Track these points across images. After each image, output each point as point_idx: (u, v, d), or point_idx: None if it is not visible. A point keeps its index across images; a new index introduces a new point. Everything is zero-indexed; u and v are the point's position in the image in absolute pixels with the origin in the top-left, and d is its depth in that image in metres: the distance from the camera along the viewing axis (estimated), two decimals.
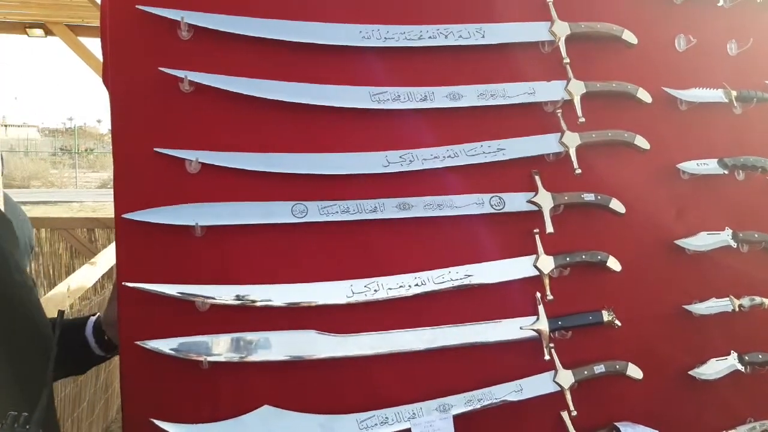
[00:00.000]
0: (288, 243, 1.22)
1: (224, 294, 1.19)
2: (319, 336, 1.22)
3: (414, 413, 1.25)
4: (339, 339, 1.23)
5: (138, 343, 1.14)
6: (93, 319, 1.30)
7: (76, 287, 3.17)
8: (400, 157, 1.25)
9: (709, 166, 1.43)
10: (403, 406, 1.24)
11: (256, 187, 1.20)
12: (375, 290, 1.24)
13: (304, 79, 1.22)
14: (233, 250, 1.20)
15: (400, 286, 1.26)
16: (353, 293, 1.23)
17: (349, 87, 1.22)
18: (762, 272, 1.48)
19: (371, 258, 1.25)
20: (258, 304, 1.19)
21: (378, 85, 1.23)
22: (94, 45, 5.89)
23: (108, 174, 21.38)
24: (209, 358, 1.16)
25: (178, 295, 1.16)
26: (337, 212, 1.22)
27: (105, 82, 1.20)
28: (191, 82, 1.17)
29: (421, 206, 1.26)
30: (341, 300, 1.23)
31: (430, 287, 1.27)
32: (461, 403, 1.27)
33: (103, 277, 3.76)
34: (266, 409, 1.19)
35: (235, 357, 1.18)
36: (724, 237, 1.44)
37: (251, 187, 1.20)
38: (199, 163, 1.17)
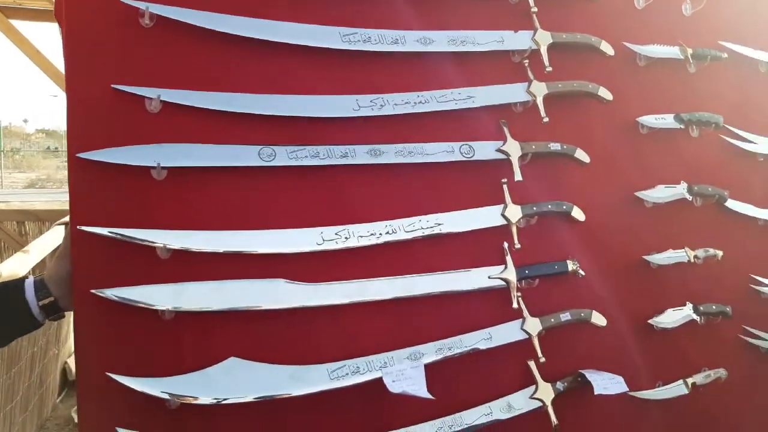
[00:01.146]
0: (255, 188, 1.17)
1: (187, 240, 1.13)
2: (288, 285, 1.18)
3: (385, 362, 1.23)
4: (309, 288, 1.19)
5: (94, 291, 1.07)
6: (30, 281, 1.16)
7: (7, 275, 2.99)
8: (371, 101, 1.22)
9: (667, 120, 1.48)
10: (374, 355, 1.22)
11: (221, 129, 1.15)
12: (346, 238, 1.21)
13: (273, 18, 1.18)
14: (197, 195, 1.15)
15: (371, 234, 1.23)
16: (323, 241, 1.20)
17: (320, 26, 1.19)
18: (715, 225, 1.54)
19: (342, 205, 1.23)
20: (223, 251, 1.14)
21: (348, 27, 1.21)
22: (28, 29, 5.55)
23: (36, 174, 20.35)
24: (172, 308, 1.10)
25: (137, 240, 1.10)
26: (307, 157, 1.19)
27: (58, 15, 1.12)
28: (152, 16, 1.11)
29: (392, 153, 1.24)
30: (311, 248, 1.19)
31: (401, 235, 1.25)
32: (432, 351, 1.26)
33: (33, 270, 3.56)
34: (233, 361, 1.14)
35: (199, 307, 1.13)
36: (680, 190, 1.49)
37: (216, 128, 1.15)
38: (161, 101, 1.11)
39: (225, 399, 1.11)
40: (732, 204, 1.55)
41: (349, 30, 1.20)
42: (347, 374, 1.20)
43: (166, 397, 1.08)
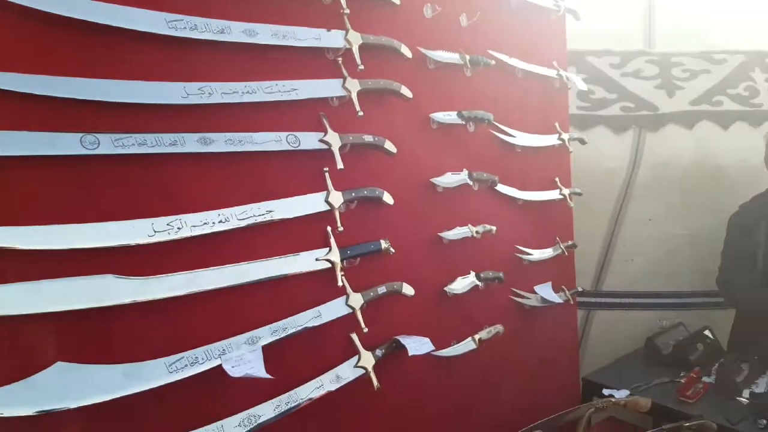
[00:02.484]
0: (78, 178, 1.09)
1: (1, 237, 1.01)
2: (117, 280, 1.13)
3: (224, 349, 1.24)
4: (140, 282, 1.15)
5: None
6: None
7: None
8: (199, 89, 1.21)
9: (451, 117, 1.72)
10: (213, 344, 1.23)
11: (37, 115, 1.04)
12: (178, 228, 1.19)
13: None
14: (11, 187, 1.02)
15: (204, 223, 1.23)
16: (155, 232, 1.16)
17: (143, 10, 1.14)
18: (489, 205, 1.84)
19: (172, 194, 1.20)
20: (44, 248, 1.04)
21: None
22: None
23: None
24: None
25: None
26: (134, 145, 1.13)
27: None
28: None
29: (222, 141, 1.25)
30: (142, 240, 1.15)
31: (234, 224, 1.27)
32: (268, 334, 1.31)
33: None
34: (60, 366, 1.05)
35: (19, 310, 1.02)
36: (463, 176, 1.75)
37: (32, 114, 1.03)
38: None
39: (54, 408, 1.02)
40: (500, 187, 1.87)
41: (174, 16, 1.17)
42: (186, 366, 1.19)
43: None
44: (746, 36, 2.67)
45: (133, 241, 1.14)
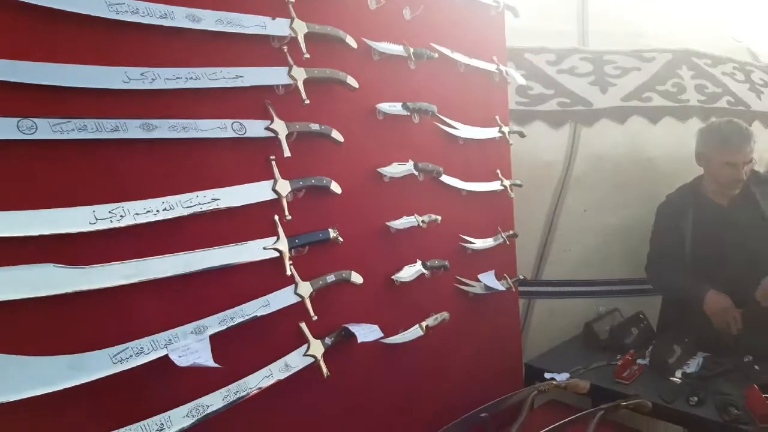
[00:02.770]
0: (16, 164, 1.05)
1: None
2: (58, 269, 1.09)
3: (170, 339, 1.23)
4: (82, 271, 1.12)
5: None
6: None
7: None
8: (141, 74, 1.19)
9: (396, 108, 1.74)
10: (158, 333, 1.21)
11: None
12: (121, 216, 1.17)
13: None
14: None
15: (148, 211, 1.21)
16: (96, 220, 1.14)
17: None
18: (434, 195, 1.88)
19: (114, 181, 1.17)
20: None
21: None
22: None
23: None
24: None
25: None
26: (73, 130, 1.10)
27: None
28: None
29: (165, 128, 1.23)
30: (83, 228, 1.12)
31: (178, 212, 1.25)
32: (215, 323, 1.30)
33: None
34: None
35: None
36: (408, 167, 1.78)
37: None
38: None
39: None
40: (445, 178, 1.91)
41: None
42: (131, 356, 1.16)
43: None
44: (674, 35, 2.83)
45: (74, 229, 1.11)
